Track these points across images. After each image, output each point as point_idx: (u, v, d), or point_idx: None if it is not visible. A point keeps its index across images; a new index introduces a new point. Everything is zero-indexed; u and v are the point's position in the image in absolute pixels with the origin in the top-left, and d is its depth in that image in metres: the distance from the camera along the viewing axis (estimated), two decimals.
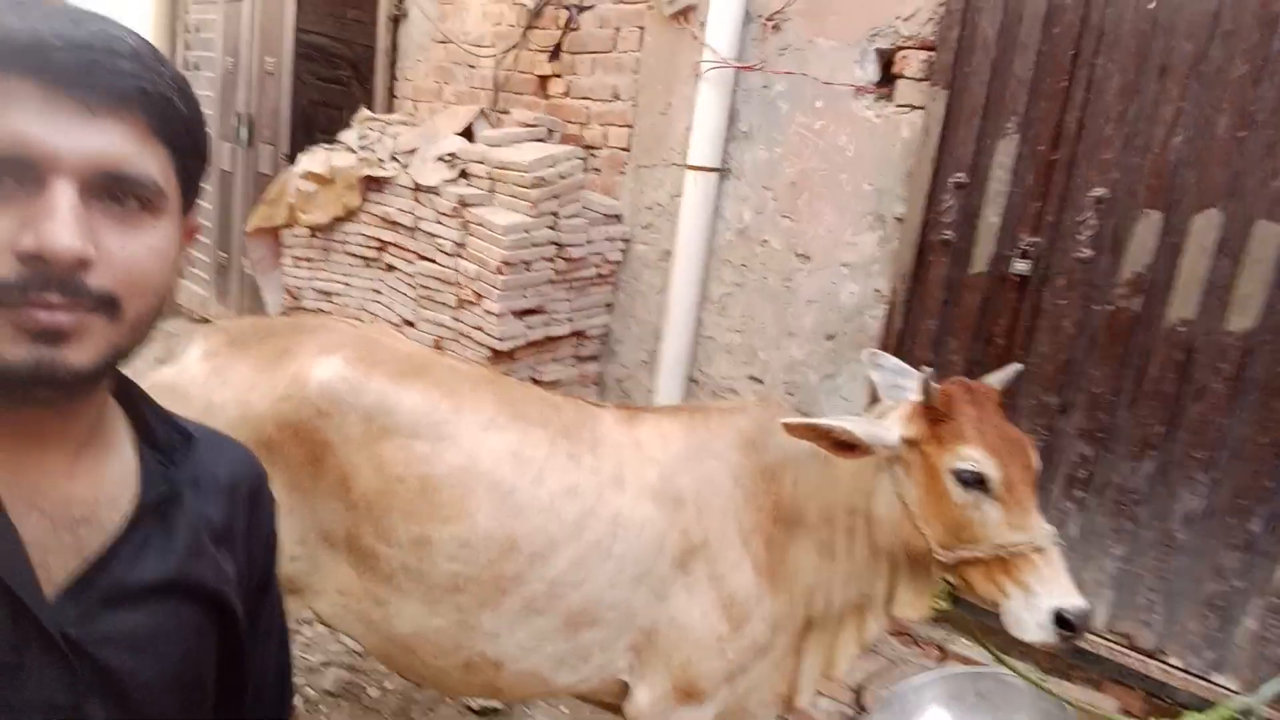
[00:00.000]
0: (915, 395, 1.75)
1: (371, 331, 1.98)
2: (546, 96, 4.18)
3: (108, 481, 0.75)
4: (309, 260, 4.36)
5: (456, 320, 3.70)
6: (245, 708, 0.90)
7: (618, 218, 3.90)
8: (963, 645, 3.08)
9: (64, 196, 0.63)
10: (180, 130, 0.71)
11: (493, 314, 3.50)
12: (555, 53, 4.05)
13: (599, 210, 3.82)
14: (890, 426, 1.71)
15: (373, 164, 3.96)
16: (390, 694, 3.04)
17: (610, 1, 3.89)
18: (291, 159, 4.78)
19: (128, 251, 0.67)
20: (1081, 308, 2.78)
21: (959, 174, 2.96)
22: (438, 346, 3.76)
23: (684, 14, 3.61)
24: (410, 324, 3.92)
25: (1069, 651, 2.85)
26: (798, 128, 3.40)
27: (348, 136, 4.27)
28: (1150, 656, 2.76)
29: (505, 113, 4.25)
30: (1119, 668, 2.82)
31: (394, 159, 3.96)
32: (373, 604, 1.78)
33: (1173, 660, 2.73)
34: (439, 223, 3.70)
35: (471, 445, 1.74)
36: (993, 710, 2.57)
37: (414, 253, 3.84)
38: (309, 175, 4.12)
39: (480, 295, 3.55)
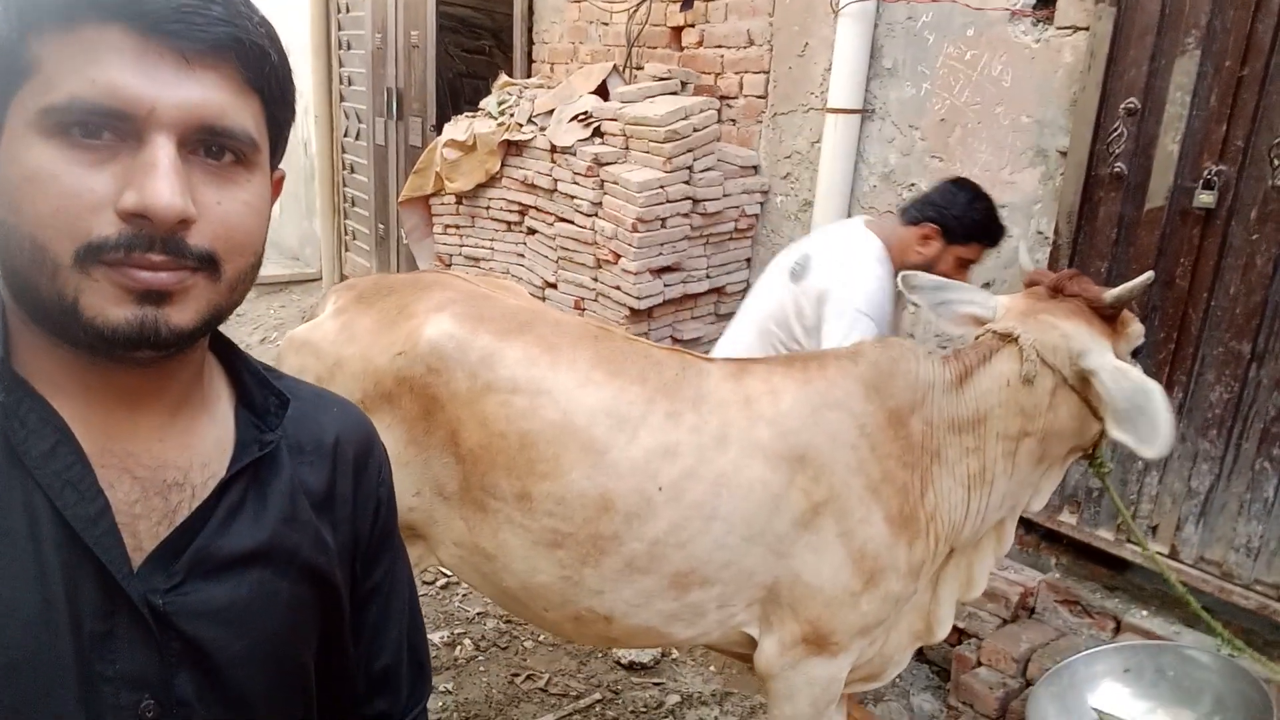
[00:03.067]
0: (985, 308, 1.83)
1: (485, 286, 2.02)
2: (680, 48, 4.09)
3: (202, 445, 0.74)
4: (456, 227, 4.49)
5: (595, 280, 3.72)
6: (356, 685, 0.85)
7: (755, 169, 3.79)
8: (1141, 618, 2.84)
9: (164, 152, 0.62)
10: (272, 80, 0.69)
11: (629, 273, 3.48)
12: (688, 1, 3.94)
13: (735, 162, 3.71)
14: (1100, 346, 1.68)
15: (511, 128, 4.01)
16: (543, 645, 3.15)
17: None
18: (439, 130, 4.92)
19: (224, 208, 0.66)
20: (1277, 243, 2.46)
21: (1131, 99, 2.67)
22: (578, 307, 3.80)
23: None
24: (552, 285, 3.97)
25: None
26: (947, 59, 3.16)
27: (488, 103, 4.34)
28: None
29: (639, 68, 4.19)
30: None
31: (531, 121, 4.00)
32: (483, 558, 1.83)
33: None
34: (575, 183, 3.71)
35: (566, 402, 1.74)
36: (1175, 687, 2.36)
37: (553, 214, 3.88)
38: (452, 143, 4.22)
39: (617, 254, 3.55)
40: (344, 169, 6.69)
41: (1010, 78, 3.01)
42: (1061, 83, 2.86)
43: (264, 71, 0.68)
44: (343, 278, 6.99)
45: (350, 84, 6.41)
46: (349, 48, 6.38)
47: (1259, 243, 2.50)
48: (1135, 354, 1.77)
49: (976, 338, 1.83)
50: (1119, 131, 2.72)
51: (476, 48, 6.94)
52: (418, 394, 1.78)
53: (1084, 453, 1.87)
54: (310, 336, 1.89)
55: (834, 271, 2.38)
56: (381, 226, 6.17)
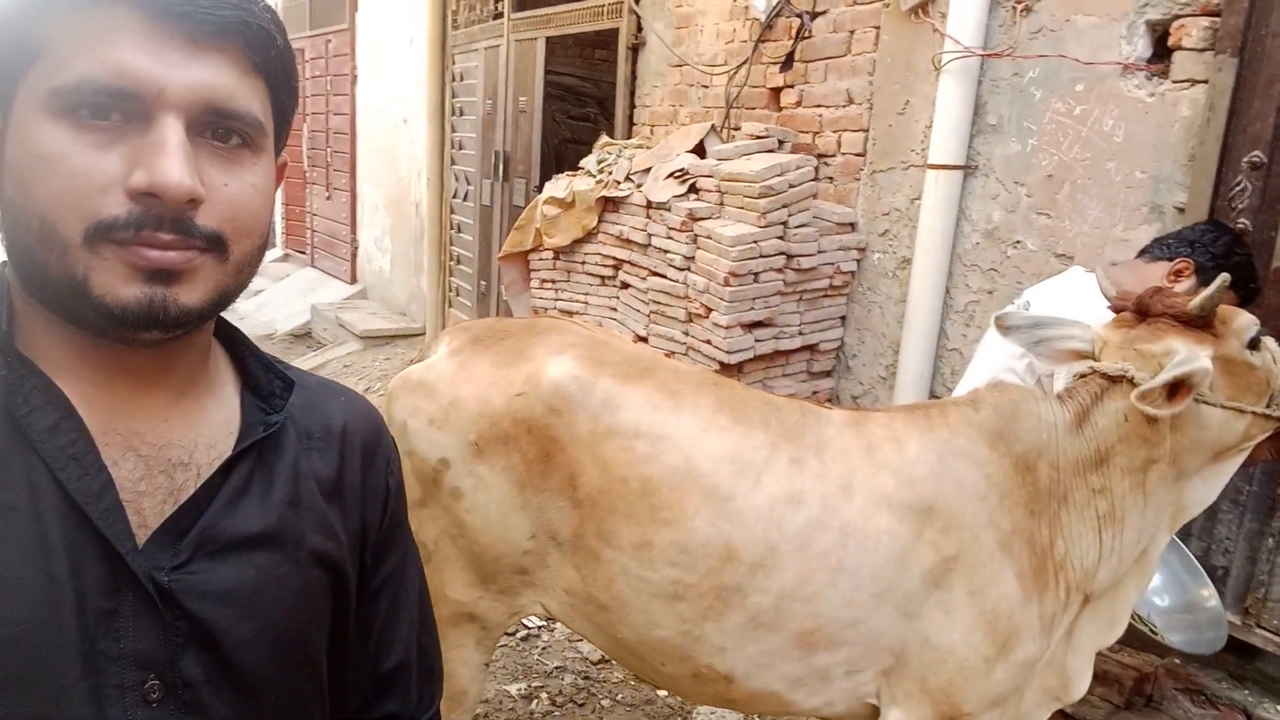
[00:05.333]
0: (1084, 341, 1.73)
1: (600, 334, 2.01)
2: (779, 109, 4.12)
3: (207, 426, 0.73)
4: (553, 282, 4.57)
5: (686, 334, 3.70)
6: (364, 684, 0.83)
7: (852, 226, 3.73)
8: (1274, 712, 2.57)
9: (173, 131, 0.62)
10: (277, 65, 0.70)
11: (720, 326, 3.46)
12: (787, 62, 3.97)
13: (831, 219, 3.67)
14: (1191, 354, 1.58)
15: (609, 185, 4.08)
16: (621, 705, 3.06)
17: (844, 4, 3.76)
18: (541, 190, 5.07)
19: (232, 190, 0.66)
20: None
21: (1255, 153, 2.53)
22: None
23: (922, 8, 3.40)
24: (643, 339, 3.97)
25: None
26: (1054, 115, 3.07)
27: (587, 162, 4.44)
28: None
29: (737, 129, 4.23)
30: None
31: (629, 179, 4.06)
32: (596, 608, 1.78)
33: None
34: (669, 238, 3.73)
35: (690, 447, 1.69)
36: None
37: (646, 269, 3.90)
38: (552, 200, 4.33)
39: (708, 308, 3.53)
40: (451, 229, 6.95)
41: (1123, 133, 2.89)
42: (1178, 137, 2.73)
43: (269, 55, 0.69)
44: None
45: (461, 148, 6.69)
46: (461, 114, 6.68)
47: None
48: (1254, 344, 1.66)
49: (1081, 375, 1.73)
50: (1242, 186, 2.57)
51: (582, 114, 7.18)
52: (537, 435, 1.74)
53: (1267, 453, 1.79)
54: (425, 376, 1.86)
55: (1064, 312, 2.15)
56: (484, 283, 6.35)
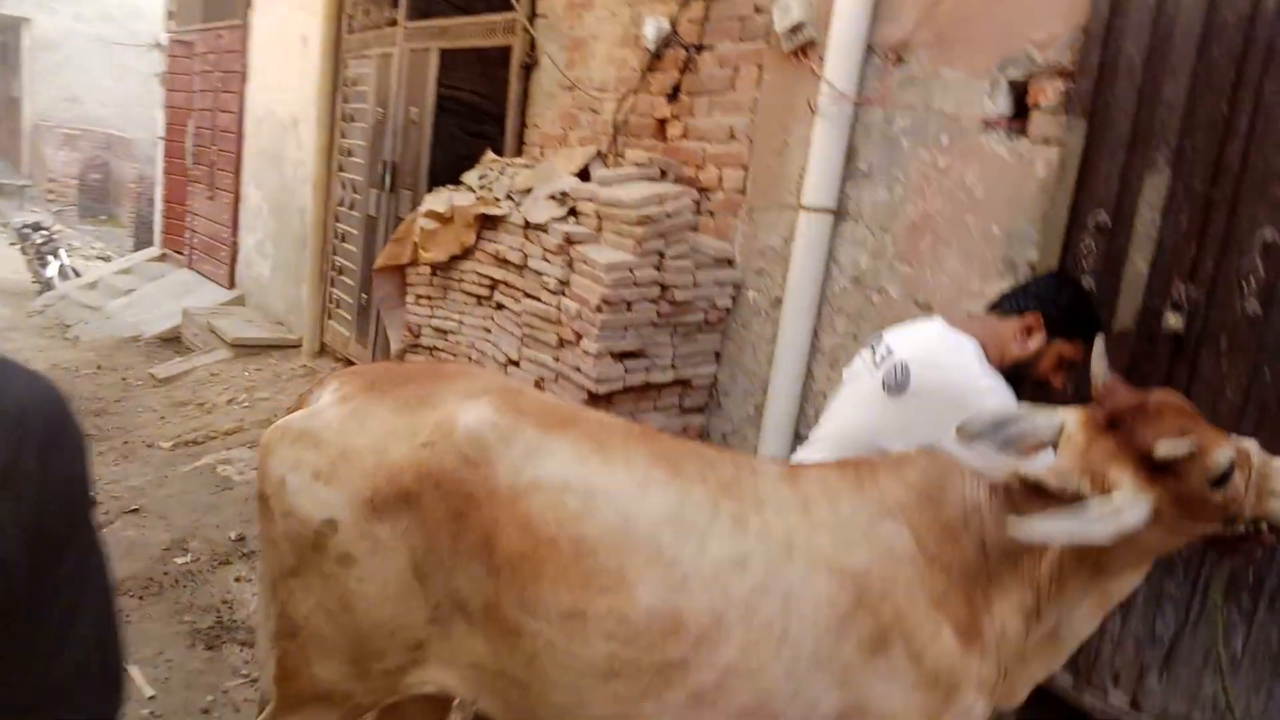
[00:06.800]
0: (1049, 431, 1.63)
1: (511, 381, 1.87)
2: (664, 139, 4.10)
3: None
4: (429, 299, 4.43)
5: (557, 360, 3.62)
6: (38, 685, 0.75)
7: (729, 262, 3.73)
8: None
9: None
10: None
11: (590, 354, 3.39)
12: (674, 94, 3.97)
13: (709, 253, 3.66)
14: (1126, 506, 1.46)
15: (489, 202, 3.98)
16: None
17: (730, 41, 3.79)
18: None
19: None
20: (1248, 373, 2.36)
21: (1101, 214, 2.62)
22: (538, 386, 3.68)
23: (803, 50, 3.44)
24: (515, 363, 3.87)
25: None
26: (921, 166, 3.14)
27: (469, 177, 4.34)
28: None
29: (623, 156, 4.20)
30: None
31: (509, 197, 3.98)
32: (510, 684, 1.59)
33: None
34: (545, 260, 3.65)
35: (627, 504, 1.55)
36: None
37: (521, 290, 3.81)
38: (430, 214, 4.20)
39: (579, 334, 3.46)
40: (335, 238, 6.71)
41: (982, 187, 2.97)
42: (1033, 194, 2.82)
43: None
44: (323, 345, 6.92)
45: (349, 155, 6.48)
46: (352, 120, 6.48)
47: (1229, 372, 2.40)
48: (1218, 482, 1.54)
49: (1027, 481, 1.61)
50: (1089, 247, 2.66)
51: (479, 131, 7.05)
52: (447, 491, 1.55)
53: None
54: (309, 425, 1.64)
55: (944, 390, 2.04)
56: (365, 296, 6.14)
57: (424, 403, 1.63)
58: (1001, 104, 2.92)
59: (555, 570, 1.51)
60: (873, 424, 2.10)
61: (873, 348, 2.26)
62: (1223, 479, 1.53)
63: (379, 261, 4.69)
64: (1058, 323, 2.16)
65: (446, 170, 6.44)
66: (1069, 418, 1.65)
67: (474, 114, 7.02)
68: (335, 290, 6.76)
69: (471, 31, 5.20)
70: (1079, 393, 2.00)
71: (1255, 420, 2.34)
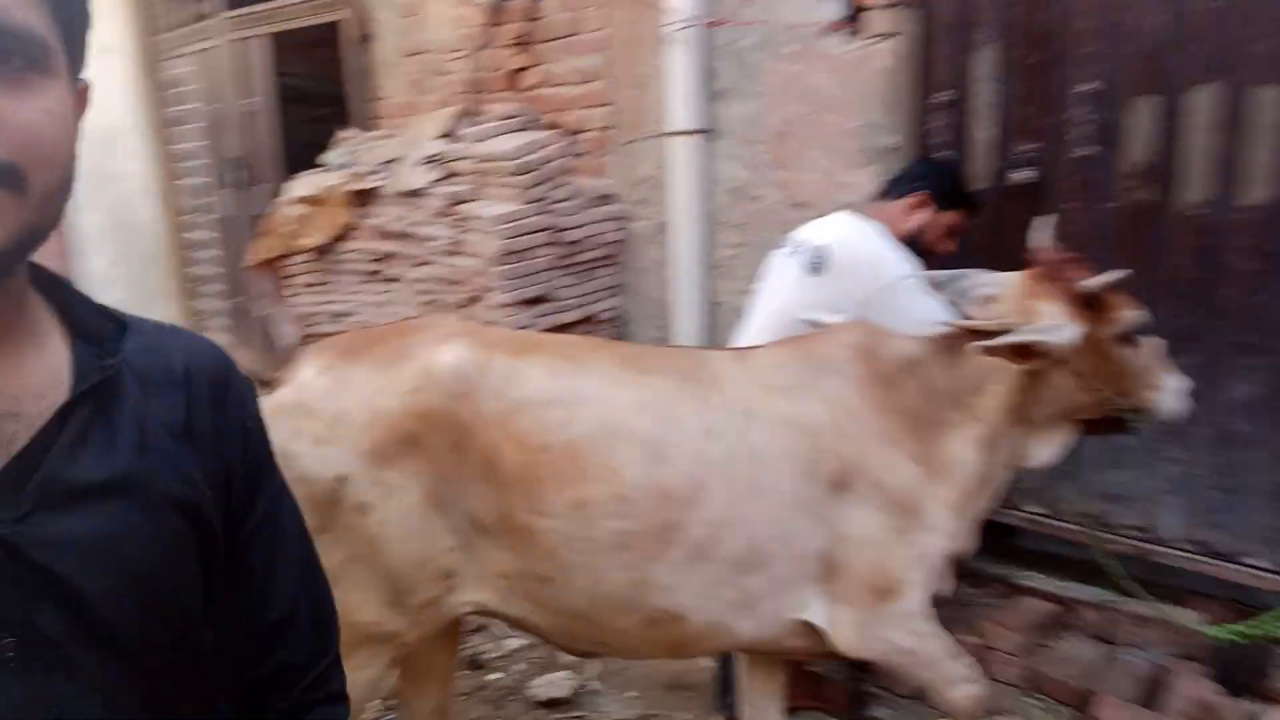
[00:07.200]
0: (999, 286, 1.98)
1: (471, 323, 2.00)
2: (521, 89, 4.16)
3: (34, 375, 0.69)
4: (315, 286, 4.37)
5: (466, 319, 3.69)
6: (253, 632, 0.81)
7: (610, 197, 3.86)
8: (1032, 579, 2.98)
9: None
10: None
11: (500, 306, 3.47)
12: (523, 44, 4.02)
13: (590, 193, 3.78)
14: (1060, 326, 1.81)
15: (359, 178, 3.96)
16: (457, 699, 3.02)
17: None
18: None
19: (21, 116, 0.62)
20: (1092, 207, 2.70)
21: (944, 93, 2.90)
22: None
23: None
24: None
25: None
26: (775, 76, 3.34)
27: (332, 156, 4.28)
28: (1229, 560, 2.64)
29: (482, 113, 4.23)
30: (1198, 577, 2.71)
31: (379, 170, 3.96)
32: (537, 582, 1.78)
33: (1252, 560, 2.61)
34: (432, 225, 3.68)
35: (605, 403, 1.76)
36: None
37: (414, 259, 3.84)
38: (299, 199, 4.13)
39: (484, 290, 3.53)
40: (189, 248, 6.42)
41: (834, 87, 3.20)
42: (881, 85, 3.07)
43: None
44: None
45: (189, 159, 6.18)
46: (182, 123, 6.17)
47: (1076, 210, 2.72)
48: (1128, 338, 1.90)
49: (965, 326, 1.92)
50: (939, 123, 2.94)
51: (318, 116, 6.84)
52: (443, 426, 1.71)
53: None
54: (298, 397, 1.75)
55: (860, 262, 2.32)
56: (238, 299, 5.93)
57: (400, 355, 1.77)
58: (836, 7, 3.14)
59: (554, 473, 1.71)
60: (801, 302, 2.36)
61: (784, 247, 2.51)
62: (1129, 336, 1.87)
63: (251, 258, 4.57)
64: (938, 198, 2.50)
65: (299, 158, 6.25)
66: (1011, 276, 1.99)
67: (309, 100, 6.80)
68: (197, 303, 6.49)
69: (298, 11, 5.04)
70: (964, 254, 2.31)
71: (1103, 245, 2.68)
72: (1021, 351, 1.78)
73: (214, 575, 0.76)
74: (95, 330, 0.74)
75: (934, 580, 1.93)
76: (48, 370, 0.70)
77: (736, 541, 1.77)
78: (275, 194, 5.29)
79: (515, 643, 3.21)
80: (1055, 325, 1.81)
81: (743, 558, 1.78)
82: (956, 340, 1.89)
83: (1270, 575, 2.57)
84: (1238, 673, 2.50)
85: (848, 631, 1.86)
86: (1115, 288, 1.90)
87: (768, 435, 1.80)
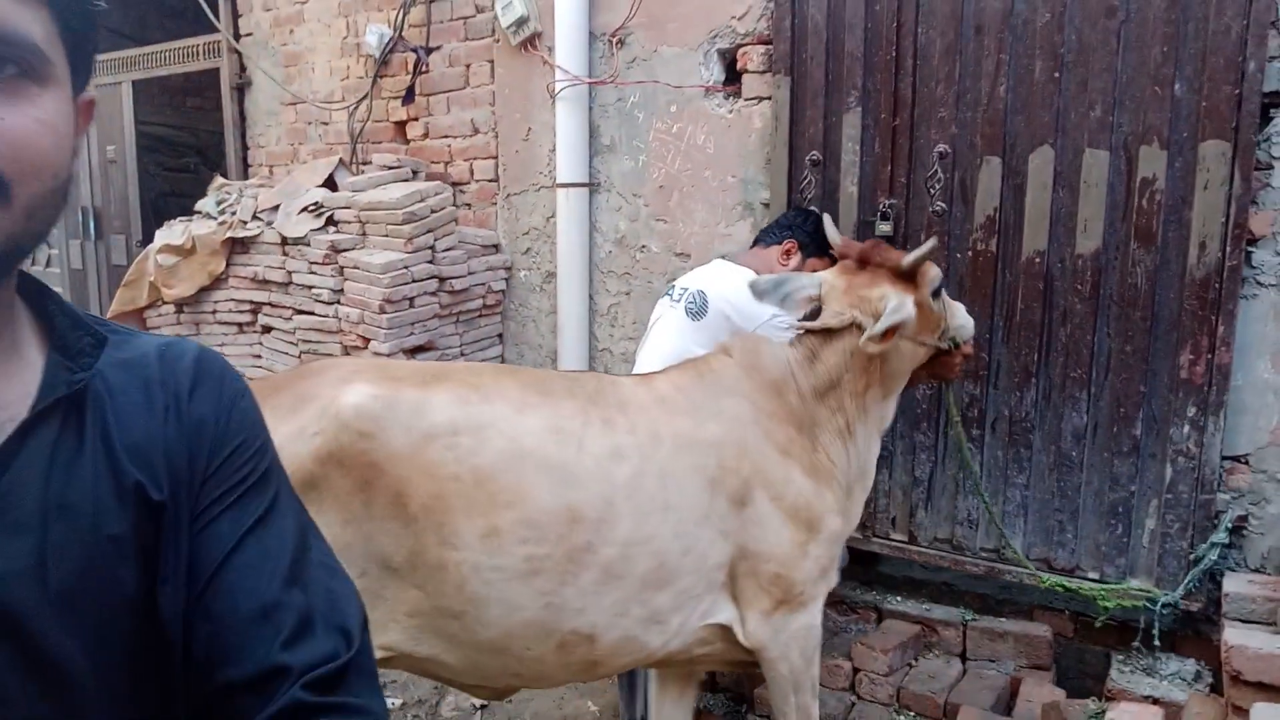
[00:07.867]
0: (815, 287, 2.14)
1: (373, 359, 1.95)
2: (406, 141, 4.19)
3: (11, 388, 0.66)
4: (186, 337, 4.17)
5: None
6: (222, 631, 0.72)
7: (495, 247, 3.91)
8: (897, 603, 3.14)
9: None
10: None
11: (381, 355, 3.43)
12: (409, 96, 4.07)
13: (476, 242, 3.82)
14: (904, 301, 1.99)
15: (235, 225, 3.85)
16: None
17: (457, 40, 3.95)
18: (145, 245, 4.60)
19: (9, 124, 0.60)
20: (945, 256, 2.95)
21: (813, 152, 3.12)
22: None
23: (530, 42, 3.70)
24: None
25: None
26: (656, 134, 3.51)
27: (204, 204, 4.15)
28: (1070, 574, 2.87)
29: (366, 163, 4.23)
30: (1046, 593, 2.93)
31: (256, 218, 3.87)
32: (449, 618, 1.75)
33: (1090, 574, 2.85)
34: (312, 273, 3.62)
35: (512, 429, 1.76)
36: None
37: (290, 308, 3.74)
38: (167, 248, 3.98)
39: (366, 339, 3.48)
40: None
41: (713, 145, 3.39)
42: (756, 144, 3.28)
43: None
44: None
45: None
46: None
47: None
48: (935, 294, 2.12)
49: (809, 320, 2.11)
50: (808, 180, 3.15)
51: (181, 165, 6.63)
52: (350, 466, 1.68)
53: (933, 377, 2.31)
54: None
55: (730, 302, 2.51)
56: None
57: (302, 400, 1.73)
58: (716, 71, 3.36)
59: (464, 502, 1.70)
60: (685, 345, 2.49)
61: (668, 294, 2.68)
62: (939, 290, 2.11)
63: (112, 310, 4.33)
64: (808, 245, 2.71)
65: (156, 208, 6.00)
66: (824, 275, 2.17)
67: (172, 148, 6.59)
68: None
69: (170, 58, 4.92)
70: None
71: (956, 291, 2.92)
72: (887, 333, 1.96)
73: (176, 575, 0.71)
74: (72, 344, 0.72)
75: (829, 584, 2.07)
76: (20, 383, 0.68)
77: (646, 560, 1.80)
78: (132, 244, 5.07)
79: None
80: (900, 302, 1.99)
81: (652, 575, 1.81)
82: (811, 342, 2.06)
83: (1104, 586, 2.80)
84: (1080, 676, 2.73)
85: (753, 631, 1.95)
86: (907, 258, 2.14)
87: (672, 455, 1.85)
